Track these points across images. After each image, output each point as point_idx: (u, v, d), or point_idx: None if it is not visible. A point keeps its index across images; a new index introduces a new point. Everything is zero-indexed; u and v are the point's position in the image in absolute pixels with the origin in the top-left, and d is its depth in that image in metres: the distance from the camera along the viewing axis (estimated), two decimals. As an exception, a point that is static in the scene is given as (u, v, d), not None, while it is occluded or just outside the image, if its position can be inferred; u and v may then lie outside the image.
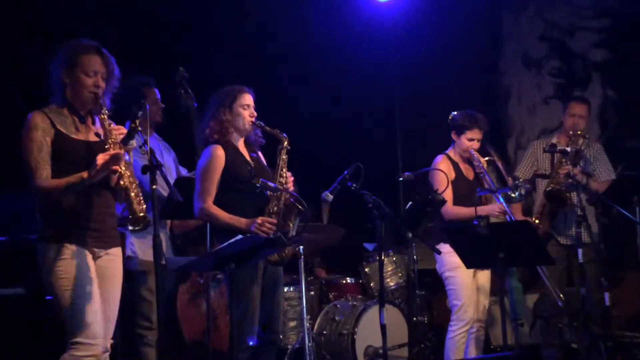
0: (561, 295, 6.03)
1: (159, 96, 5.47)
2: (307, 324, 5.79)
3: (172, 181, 4.81)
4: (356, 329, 6.35)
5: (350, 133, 8.24)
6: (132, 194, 3.97)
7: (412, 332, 6.32)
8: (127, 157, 3.99)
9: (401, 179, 5.72)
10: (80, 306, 3.86)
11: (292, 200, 4.77)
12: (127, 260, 5.29)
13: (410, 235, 5.29)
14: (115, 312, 4.10)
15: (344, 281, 7.16)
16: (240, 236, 4.25)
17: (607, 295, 5.91)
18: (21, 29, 6.33)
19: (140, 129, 4.11)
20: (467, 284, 5.72)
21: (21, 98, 5.36)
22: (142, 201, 3.99)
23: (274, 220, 4.71)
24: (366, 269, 7.11)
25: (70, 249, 3.90)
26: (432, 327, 7.09)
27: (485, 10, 8.57)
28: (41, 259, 3.92)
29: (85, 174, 3.86)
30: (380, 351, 5.98)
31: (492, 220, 5.97)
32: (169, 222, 5.63)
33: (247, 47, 7.71)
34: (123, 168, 3.96)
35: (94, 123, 4.09)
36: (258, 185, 4.72)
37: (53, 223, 3.93)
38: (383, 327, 4.80)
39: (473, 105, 6.06)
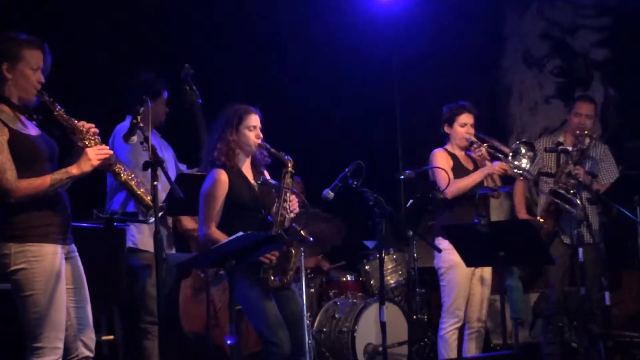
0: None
1: (165, 96, 5.47)
2: (307, 321, 5.79)
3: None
4: (356, 327, 6.35)
5: (351, 131, 8.24)
6: (135, 186, 3.96)
7: (411, 330, 6.32)
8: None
9: (402, 177, 5.72)
10: (52, 311, 3.73)
11: (293, 225, 4.74)
12: (129, 253, 5.30)
13: (410, 233, 5.30)
14: (89, 305, 4.01)
15: (344, 279, 7.17)
16: (241, 233, 4.24)
17: (607, 295, 5.90)
18: (21, 24, 6.30)
19: (141, 124, 4.10)
20: (461, 283, 5.72)
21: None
22: (145, 190, 3.97)
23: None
24: (366, 267, 7.12)
25: (49, 248, 3.77)
26: (431, 325, 7.09)
27: (487, 9, 8.56)
28: (12, 260, 3.71)
29: (74, 170, 3.77)
30: (380, 349, 5.98)
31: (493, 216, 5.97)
32: (170, 219, 5.63)
33: (248, 45, 7.71)
34: (119, 164, 3.94)
35: (34, 119, 3.93)
36: (260, 215, 4.73)
37: (27, 222, 3.75)
38: (383, 325, 4.81)
39: (474, 103, 6.05)
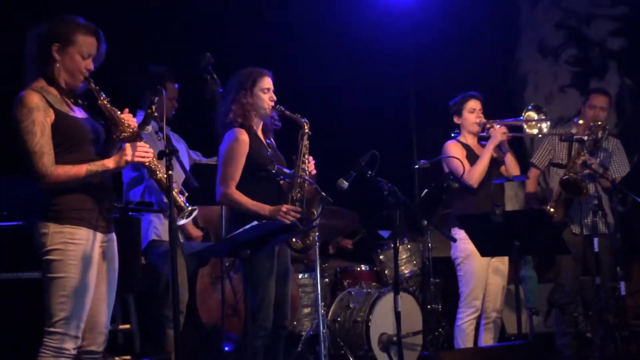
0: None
1: (176, 90, 5.45)
2: (321, 311, 5.80)
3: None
4: (370, 316, 6.36)
5: (366, 120, 8.23)
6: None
7: (426, 319, 6.33)
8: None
9: (417, 166, 5.72)
10: (78, 297, 3.65)
11: (314, 186, 4.75)
12: (151, 244, 5.30)
13: (425, 222, 5.29)
14: (113, 297, 3.93)
15: (359, 268, 7.17)
16: (255, 222, 4.24)
17: (622, 285, 5.88)
18: (40, 6, 6.28)
19: (156, 114, 4.10)
20: (478, 273, 5.72)
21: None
22: (180, 190, 3.92)
23: (299, 209, 4.67)
24: (381, 257, 7.12)
25: (85, 232, 3.70)
26: (446, 315, 7.09)
27: (502, -2, 8.55)
28: (48, 239, 3.65)
29: (110, 163, 3.71)
30: (395, 338, 5.99)
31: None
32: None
33: (265, 33, 7.71)
34: (155, 161, 3.87)
35: (80, 105, 3.85)
36: (274, 171, 4.69)
37: (67, 204, 3.66)
38: (398, 315, 4.81)
39: (489, 92, 6.05)
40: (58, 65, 3.75)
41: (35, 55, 3.76)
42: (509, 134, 5.79)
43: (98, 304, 3.82)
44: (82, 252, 3.69)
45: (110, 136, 3.86)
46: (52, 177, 3.61)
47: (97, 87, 3.81)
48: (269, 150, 4.88)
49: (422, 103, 8.50)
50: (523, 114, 5.86)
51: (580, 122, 6.38)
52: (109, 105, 3.81)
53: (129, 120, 3.83)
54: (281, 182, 4.84)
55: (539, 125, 5.83)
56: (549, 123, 5.85)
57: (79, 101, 3.85)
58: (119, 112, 3.82)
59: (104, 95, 3.80)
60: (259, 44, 7.57)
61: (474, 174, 5.70)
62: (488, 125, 5.83)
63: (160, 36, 7.03)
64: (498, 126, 5.78)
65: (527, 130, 5.82)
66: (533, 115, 5.84)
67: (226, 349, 4.41)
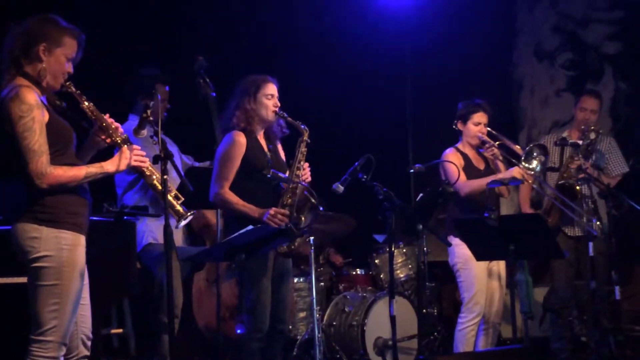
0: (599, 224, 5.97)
1: (167, 92, 5.45)
2: (316, 315, 5.80)
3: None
4: (366, 320, 6.35)
5: (362, 124, 8.23)
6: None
7: (421, 323, 6.31)
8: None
9: (412, 171, 5.71)
10: (70, 305, 3.55)
11: (305, 192, 4.77)
12: (146, 247, 5.29)
13: (420, 227, 5.29)
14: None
15: (354, 272, 7.17)
16: (251, 226, 4.25)
17: (617, 289, 5.89)
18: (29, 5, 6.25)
19: (151, 118, 4.10)
20: (478, 277, 5.71)
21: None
22: (175, 195, 3.91)
23: (287, 212, 4.71)
24: (376, 261, 7.12)
25: (80, 239, 3.63)
26: (441, 319, 7.10)
27: (499, 2, 8.54)
28: (40, 244, 3.51)
29: (109, 166, 3.67)
30: (390, 342, 5.99)
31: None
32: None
33: (261, 37, 7.72)
34: (151, 167, 3.86)
35: (58, 106, 3.75)
36: (269, 175, 4.72)
37: (63, 207, 3.57)
38: (393, 319, 4.81)
39: (485, 97, 6.05)
40: (44, 65, 3.65)
41: (17, 53, 3.65)
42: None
43: (83, 310, 3.75)
44: (75, 258, 3.60)
45: (91, 140, 3.82)
46: (50, 177, 3.50)
47: (79, 91, 3.76)
48: (269, 154, 4.91)
49: (418, 107, 8.51)
50: (527, 147, 5.83)
51: (566, 135, 6.40)
52: (96, 110, 3.77)
53: (115, 124, 3.81)
54: (284, 186, 4.86)
55: (533, 161, 5.78)
56: (540, 164, 5.81)
57: (57, 102, 3.74)
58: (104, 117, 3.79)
59: (86, 100, 3.75)
60: (255, 48, 7.58)
61: (467, 187, 5.69)
62: (487, 146, 5.82)
63: (155, 40, 7.02)
64: (511, 169, 5.74)
65: (522, 161, 5.77)
66: (534, 151, 5.80)
67: (238, 331, 4.45)
